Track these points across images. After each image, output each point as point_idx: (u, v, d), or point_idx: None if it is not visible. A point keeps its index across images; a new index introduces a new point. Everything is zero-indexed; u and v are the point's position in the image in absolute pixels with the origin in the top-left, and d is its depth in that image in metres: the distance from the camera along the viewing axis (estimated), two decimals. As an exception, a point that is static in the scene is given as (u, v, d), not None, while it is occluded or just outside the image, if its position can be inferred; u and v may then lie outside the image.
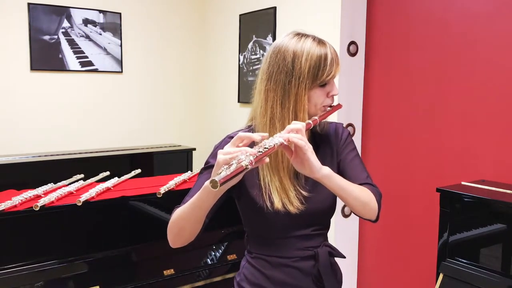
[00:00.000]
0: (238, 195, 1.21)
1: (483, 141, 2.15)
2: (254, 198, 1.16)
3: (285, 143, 0.99)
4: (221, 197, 1.10)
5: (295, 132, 1.01)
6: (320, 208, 1.19)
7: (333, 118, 1.33)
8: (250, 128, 1.22)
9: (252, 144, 1.01)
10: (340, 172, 1.23)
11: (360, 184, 1.19)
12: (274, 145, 0.97)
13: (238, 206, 1.25)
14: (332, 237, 2.65)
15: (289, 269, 1.18)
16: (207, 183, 0.93)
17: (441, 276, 1.83)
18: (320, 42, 1.15)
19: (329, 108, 1.18)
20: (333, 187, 1.07)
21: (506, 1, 2.05)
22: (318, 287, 1.20)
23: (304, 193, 1.15)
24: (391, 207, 2.60)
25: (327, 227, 1.26)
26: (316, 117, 1.13)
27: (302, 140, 1.00)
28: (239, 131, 1.20)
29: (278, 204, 1.11)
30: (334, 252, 1.23)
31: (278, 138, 0.99)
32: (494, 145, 2.11)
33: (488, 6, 2.11)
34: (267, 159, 0.95)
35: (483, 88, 2.15)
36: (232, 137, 1.12)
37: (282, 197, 1.12)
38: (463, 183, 1.97)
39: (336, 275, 1.25)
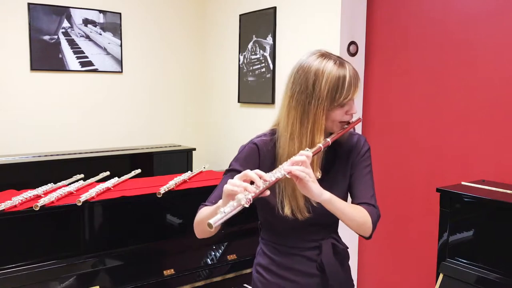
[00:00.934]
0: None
1: (483, 141, 2.15)
2: (268, 199, 1.24)
3: (287, 175, 1.08)
4: None
5: (299, 164, 1.09)
6: (327, 215, 1.25)
7: None
8: (274, 135, 1.30)
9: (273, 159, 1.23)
10: (350, 183, 1.32)
11: (363, 203, 1.28)
12: (276, 178, 1.06)
13: (255, 203, 1.33)
14: (332, 237, 2.65)
15: (294, 256, 1.30)
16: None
17: (441, 276, 1.83)
18: (341, 64, 1.21)
19: (346, 125, 1.27)
20: (333, 210, 1.17)
21: (505, 1, 2.05)
22: (322, 273, 1.30)
23: (314, 204, 1.23)
24: (391, 207, 2.60)
25: (334, 223, 1.37)
26: (328, 139, 1.21)
27: (303, 172, 1.08)
28: (263, 135, 1.32)
29: (287, 211, 1.22)
30: (338, 244, 1.33)
31: (281, 171, 1.08)
32: (494, 145, 2.11)
33: (488, 6, 2.11)
34: (267, 192, 1.04)
35: (483, 88, 2.15)
36: (256, 144, 1.29)
37: (292, 205, 1.22)
38: (463, 183, 1.97)
39: (342, 264, 1.35)
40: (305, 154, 1.12)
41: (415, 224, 2.48)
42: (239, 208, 0.99)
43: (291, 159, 1.12)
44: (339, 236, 1.38)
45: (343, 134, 1.27)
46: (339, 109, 1.22)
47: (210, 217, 1.12)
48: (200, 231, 1.26)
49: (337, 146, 1.32)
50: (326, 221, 1.31)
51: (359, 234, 1.28)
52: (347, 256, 1.38)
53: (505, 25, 2.05)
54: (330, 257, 1.30)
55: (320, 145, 1.19)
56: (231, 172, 1.27)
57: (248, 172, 1.07)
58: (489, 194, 1.77)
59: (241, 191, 1.01)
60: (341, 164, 1.32)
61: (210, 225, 0.95)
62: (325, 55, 1.22)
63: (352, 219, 1.20)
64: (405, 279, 2.56)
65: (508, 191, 1.79)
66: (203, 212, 1.23)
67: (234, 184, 1.05)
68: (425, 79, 2.40)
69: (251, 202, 1.00)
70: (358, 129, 2.72)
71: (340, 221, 1.32)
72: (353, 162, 1.32)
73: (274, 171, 1.09)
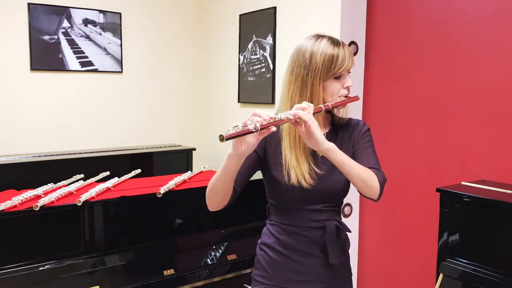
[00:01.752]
0: (263, 169, 1.41)
1: (483, 141, 2.15)
2: (275, 173, 1.36)
3: (291, 117, 1.16)
4: (250, 170, 1.36)
5: (302, 110, 1.17)
6: (332, 187, 1.35)
7: (341, 112, 1.42)
8: None
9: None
10: (354, 159, 1.34)
11: (368, 168, 1.31)
12: (281, 118, 1.14)
13: (264, 179, 1.44)
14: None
15: (299, 236, 1.37)
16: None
17: (441, 276, 1.83)
18: (335, 41, 1.32)
19: (344, 98, 1.35)
20: (337, 160, 1.22)
21: (505, 1, 2.05)
22: (324, 253, 1.36)
23: (318, 170, 1.32)
24: (391, 206, 2.60)
25: (338, 205, 1.42)
26: (328, 103, 1.30)
27: (307, 115, 1.16)
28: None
29: (294, 180, 1.30)
30: (341, 226, 1.39)
31: (287, 114, 1.16)
32: (494, 145, 2.11)
33: (488, 6, 2.11)
34: (273, 128, 1.13)
35: (483, 88, 2.15)
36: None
37: (297, 173, 1.30)
38: (463, 183, 1.97)
39: (344, 246, 1.41)
40: (306, 103, 1.20)
41: (415, 224, 2.48)
42: (247, 131, 1.08)
43: (295, 105, 1.20)
44: (342, 221, 1.42)
45: (341, 104, 1.34)
46: (335, 82, 1.32)
47: (219, 175, 1.26)
48: (210, 197, 1.32)
49: (338, 127, 1.42)
50: (331, 199, 1.37)
51: (366, 197, 1.30)
52: (348, 242, 1.43)
53: (505, 25, 2.05)
54: (333, 237, 1.35)
55: (321, 105, 1.28)
56: None
57: (257, 110, 1.16)
58: (489, 194, 1.77)
59: (251, 120, 1.11)
60: (343, 143, 1.39)
61: (221, 137, 1.03)
62: (319, 35, 1.34)
63: (356, 174, 1.23)
64: (405, 279, 2.56)
65: (508, 191, 1.79)
66: (214, 176, 1.30)
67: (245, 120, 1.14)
68: (425, 79, 2.40)
69: (258, 129, 1.09)
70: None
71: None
72: (354, 140, 1.40)
73: (279, 114, 1.17)
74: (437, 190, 1.91)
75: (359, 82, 2.71)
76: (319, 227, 1.36)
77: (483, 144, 2.15)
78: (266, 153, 1.39)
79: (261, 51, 3.17)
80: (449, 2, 2.27)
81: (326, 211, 1.37)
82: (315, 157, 1.35)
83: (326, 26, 2.63)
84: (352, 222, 2.75)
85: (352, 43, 2.63)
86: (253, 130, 1.08)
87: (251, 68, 3.28)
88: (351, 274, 1.50)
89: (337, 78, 1.32)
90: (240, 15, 3.36)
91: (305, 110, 1.18)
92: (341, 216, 1.45)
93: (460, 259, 1.82)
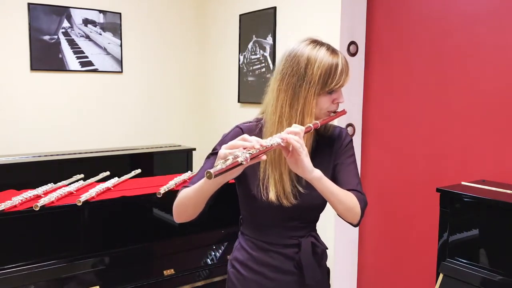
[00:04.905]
0: (238, 180, 1.30)
1: (483, 141, 2.15)
2: (251, 186, 1.26)
3: (282, 144, 1.07)
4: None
5: (294, 135, 1.08)
6: (312, 203, 1.27)
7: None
8: (260, 121, 1.30)
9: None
10: (335, 174, 1.31)
11: (350, 190, 1.25)
12: (272, 145, 1.04)
13: (237, 190, 1.34)
14: (332, 237, 2.65)
15: (273, 253, 1.29)
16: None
17: (441, 276, 1.83)
18: (333, 52, 1.22)
19: (332, 113, 1.27)
20: (322, 189, 1.16)
21: (505, 1, 2.05)
22: (299, 271, 1.29)
23: (300, 189, 1.23)
24: (391, 207, 2.60)
25: (315, 220, 1.35)
26: (317, 122, 1.20)
27: (298, 143, 1.08)
28: (248, 122, 1.31)
29: (272, 196, 1.20)
30: (317, 243, 1.32)
31: (277, 138, 1.07)
32: (494, 145, 2.11)
33: (488, 6, 2.11)
34: (264, 157, 1.03)
35: (483, 88, 2.15)
36: (241, 128, 1.29)
37: (278, 190, 1.21)
38: (463, 183, 1.97)
39: (320, 263, 1.34)
40: (299, 127, 1.11)
41: (415, 224, 2.48)
42: (237, 165, 0.96)
43: (286, 129, 1.11)
44: (318, 236, 1.37)
45: (330, 121, 1.27)
46: (327, 97, 1.22)
47: (192, 195, 1.16)
48: (179, 211, 1.23)
49: (319, 137, 1.32)
50: (308, 215, 1.30)
51: (346, 221, 1.26)
52: (325, 257, 1.37)
53: (506, 25, 2.05)
54: (309, 256, 1.28)
55: (310, 125, 1.18)
56: (215, 155, 1.23)
57: (246, 136, 1.06)
58: (489, 194, 1.77)
59: (240, 150, 1.00)
60: (324, 155, 1.31)
61: (209, 175, 0.92)
62: (317, 42, 1.23)
63: (341, 201, 1.18)
64: (405, 279, 2.56)
65: (508, 191, 1.79)
66: (185, 192, 1.20)
67: (232, 145, 1.03)
68: (425, 79, 2.40)
69: (249, 161, 0.98)
70: (359, 129, 2.72)
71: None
72: (336, 153, 1.32)
73: (269, 138, 1.08)
74: (437, 190, 1.91)
75: (359, 82, 2.71)
76: (294, 244, 1.29)
77: (483, 144, 2.15)
78: None
79: (261, 51, 3.17)
80: (449, 2, 2.27)
81: (302, 228, 1.30)
82: (298, 175, 1.22)
83: (326, 26, 2.64)
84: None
85: (352, 43, 2.63)
86: (243, 163, 0.97)
87: (251, 68, 3.28)
88: (329, 286, 1.45)
89: (330, 92, 1.22)
90: (240, 15, 3.36)
91: (297, 135, 1.08)
92: (317, 232, 1.38)
93: (460, 259, 1.82)
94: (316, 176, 1.13)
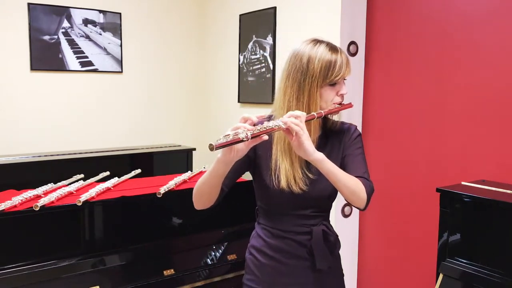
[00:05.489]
0: (253, 171, 1.41)
1: (483, 141, 2.15)
2: (264, 177, 1.36)
3: (282, 125, 1.15)
4: (239, 170, 1.34)
5: (295, 118, 1.17)
6: (321, 192, 1.35)
7: (335, 117, 1.42)
8: (271, 117, 1.38)
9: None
10: (343, 165, 1.37)
11: (356, 177, 1.32)
12: (273, 126, 1.14)
13: (253, 183, 1.44)
14: (332, 237, 2.64)
15: (287, 240, 1.38)
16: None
17: (441, 276, 1.83)
18: (333, 48, 1.32)
19: (338, 105, 1.35)
20: (325, 170, 1.22)
21: (505, 1, 2.05)
22: (311, 256, 1.37)
23: (311, 175, 1.32)
24: (391, 207, 2.60)
25: (326, 210, 1.43)
26: (321, 111, 1.30)
27: (298, 126, 1.16)
28: (261, 116, 1.38)
29: (283, 183, 1.30)
30: (329, 231, 1.39)
31: (279, 122, 1.16)
32: (494, 145, 2.11)
33: (488, 6, 2.11)
34: (265, 137, 1.13)
35: (483, 88, 2.15)
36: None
37: (288, 178, 1.30)
38: (463, 183, 1.97)
39: (333, 250, 1.42)
40: (300, 112, 1.20)
41: (415, 224, 2.48)
42: (238, 140, 1.07)
43: (288, 113, 1.19)
44: (330, 225, 1.43)
45: (335, 111, 1.35)
46: (331, 89, 1.31)
47: (206, 178, 1.27)
48: (197, 197, 1.34)
49: (329, 132, 1.41)
50: (319, 204, 1.37)
51: (354, 206, 1.32)
52: (338, 245, 1.44)
53: (506, 25, 2.05)
54: (320, 243, 1.36)
55: (314, 113, 1.27)
56: None
57: (245, 114, 1.18)
58: (489, 194, 1.77)
59: (243, 129, 1.10)
60: (333, 149, 1.39)
61: (212, 147, 1.03)
62: (317, 40, 1.34)
63: (345, 184, 1.24)
64: (405, 279, 2.56)
65: (508, 191, 1.79)
66: (201, 178, 1.31)
67: (236, 126, 1.13)
68: (425, 79, 2.40)
69: (249, 138, 1.08)
70: (358, 129, 2.72)
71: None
72: (344, 145, 1.40)
73: (271, 121, 1.17)
74: (437, 190, 1.91)
75: (359, 82, 2.71)
76: (306, 232, 1.37)
77: (483, 144, 2.15)
78: (256, 155, 1.37)
79: (261, 51, 3.17)
80: (449, 2, 2.27)
81: (314, 216, 1.38)
82: (308, 162, 1.32)
83: (326, 26, 2.64)
84: (352, 222, 2.75)
85: (352, 43, 2.63)
86: (244, 139, 1.07)
87: (251, 68, 3.28)
88: (342, 275, 1.50)
89: (332, 85, 1.31)
90: (240, 15, 3.36)
91: (297, 119, 1.17)
92: (329, 221, 1.45)
93: (460, 259, 1.82)
94: (318, 157, 1.20)
